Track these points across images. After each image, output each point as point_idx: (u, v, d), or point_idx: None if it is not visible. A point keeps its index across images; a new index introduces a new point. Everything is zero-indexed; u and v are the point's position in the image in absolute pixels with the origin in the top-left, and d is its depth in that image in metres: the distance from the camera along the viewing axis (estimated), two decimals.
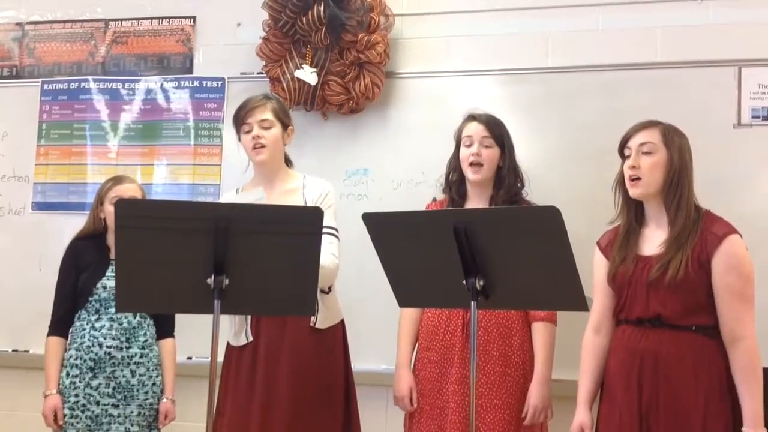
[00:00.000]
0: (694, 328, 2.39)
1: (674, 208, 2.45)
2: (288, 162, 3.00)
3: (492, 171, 2.89)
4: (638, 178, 2.47)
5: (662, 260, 2.40)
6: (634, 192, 2.50)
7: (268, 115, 2.86)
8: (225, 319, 2.86)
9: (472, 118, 2.92)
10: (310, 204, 2.83)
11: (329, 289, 2.87)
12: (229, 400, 2.82)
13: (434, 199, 3.07)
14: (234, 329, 2.85)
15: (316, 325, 2.81)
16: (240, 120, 2.89)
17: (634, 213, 2.56)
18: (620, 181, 2.57)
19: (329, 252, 2.74)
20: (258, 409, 2.74)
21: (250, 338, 2.81)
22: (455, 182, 2.96)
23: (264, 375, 2.77)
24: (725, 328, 2.37)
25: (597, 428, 2.54)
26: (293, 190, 2.91)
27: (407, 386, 2.87)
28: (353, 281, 3.25)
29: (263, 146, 2.84)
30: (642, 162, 2.47)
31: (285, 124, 2.92)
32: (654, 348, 2.40)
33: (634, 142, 2.51)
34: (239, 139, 2.93)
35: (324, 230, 2.54)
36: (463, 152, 2.89)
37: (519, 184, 2.92)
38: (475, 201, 2.92)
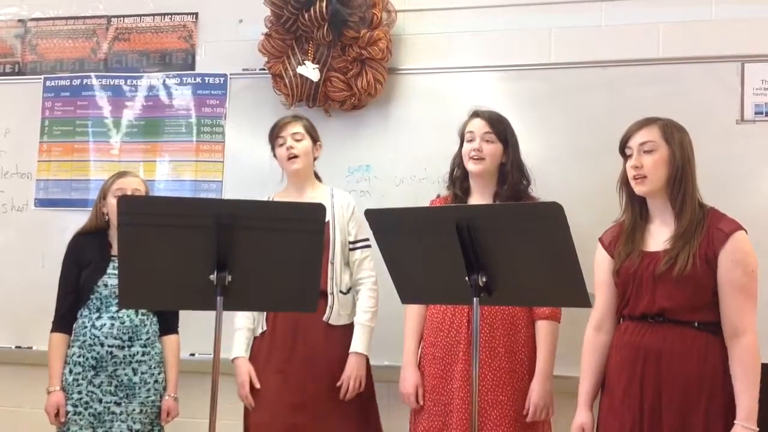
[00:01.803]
0: (697, 324, 2.39)
1: (679, 202, 2.45)
2: (319, 178, 3.21)
3: (494, 165, 2.89)
4: (643, 176, 2.47)
5: (669, 254, 2.40)
6: (639, 189, 2.50)
7: (299, 129, 3.10)
8: (246, 313, 3.04)
9: (475, 114, 2.94)
10: (338, 210, 3.04)
11: (348, 290, 3.06)
12: (261, 392, 2.96)
13: (438, 196, 3.07)
14: (252, 319, 3.05)
15: (330, 322, 2.98)
16: (274, 135, 3.12)
17: (638, 209, 2.56)
18: (624, 181, 2.57)
19: (369, 277, 3.06)
20: (289, 398, 2.93)
21: (264, 327, 3.01)
22: (459, 178, 2.96)
23: (282, 364, 2.95)
24: (727, 322, 2.37)
25: (597, 425, 2.54)
26: (321, 197, 3.05)
27: (413, 384, 2.88)
28: None
29: (296, 156, 3.06)
30: (644, 161, 2.47)
31: (314, 139, 3.15)
32: (657, 345, 2.40)
33: (634, 142, 2.50)
34: (274, 155, 3.14)
35: (362, 244, 3.06)
36: (465, 147, 2.90)
37: (525, 182, 2.92)
38: (479, 197, 2.92)
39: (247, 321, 3.04)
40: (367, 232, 2.96)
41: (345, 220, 3.05)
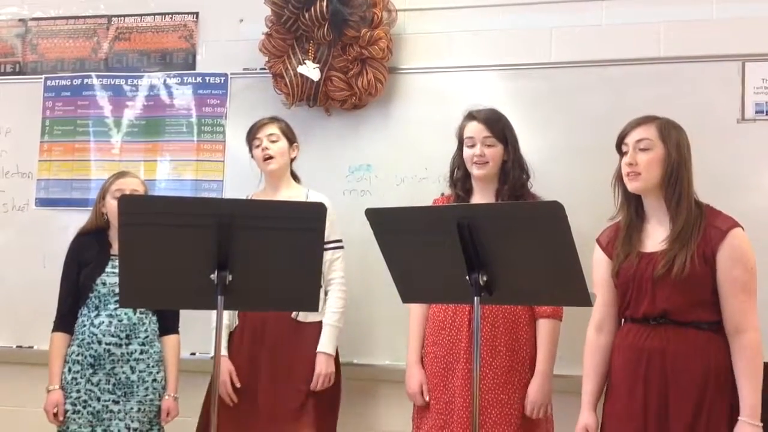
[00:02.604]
0: (700, 324, 2.39)
1: (674, 202, 2.44)
2: (296, 178, 3.30)
3: (497, 167, 2.90)
4: (637, 174, 2.47)
5: (667, 256, 2.39)
6: (632, 186, 2.50)
7: (275, 130, 3.21)
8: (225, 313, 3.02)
9: (471, 116, 2.92)
10: None
11: None
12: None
13: (442, 194, 3.07)
14: (228, 315, 3.14)
15: (298, 318, 3.09)
16: (251, 136, 3.23)
17: (634, 208, 2.55)
18: (619, 177, 2.57)
19: (339, 278, 3.16)
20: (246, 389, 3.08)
21: (236, 322, 3.14)
22: (460, 179, 2.96)
23: (248, 358, 3.09)
24: (729, 320, 2.37)
25: (602, 426, 2.53)
26: (296, 197, 3.14)
27: (417, 383, 2.89)
28: (357, 278, 3.25)
29: (272, 157, 3.17)
30: (639, 158, 2.47)
31: (291, 140, 3.25)
32: (661, 346, 2.40)
33: (630, 139, 2.50)
34: (252, 156, 3.25)
35: (335, 245, 3.15)
36: (467, 152, 2.90)
37: (525, 177, 2.93)
38: (481, 196, 2.92)
39: (224, 318, 3.06)
40: (340, 234, 3.17)
41: None
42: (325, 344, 3.08)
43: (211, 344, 2.28)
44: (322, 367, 3.05)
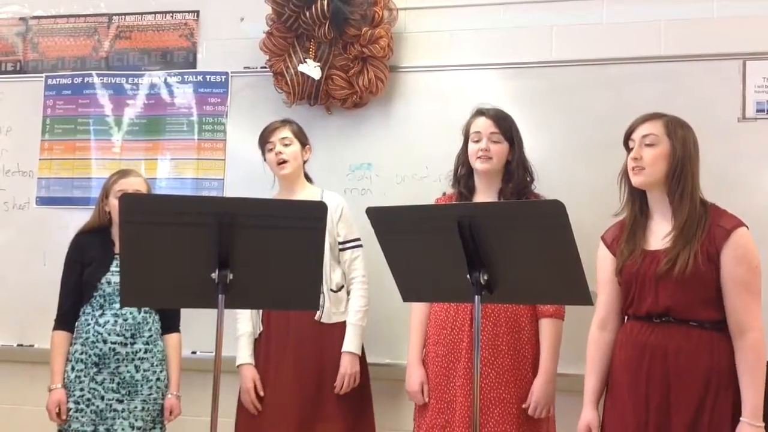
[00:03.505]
0: (703, 322, 2.39)
1: (677, 198, 2.45)
2: (309, 180, 3.29)
3: (501, 164, 2.90)
4: (641, 168, 2.48)
5: (670, 254, 2.39)
6: (636, 180, 2.50)
7: (288, 134, 3.18)
8: (246, 318, 3.12)
9: (480, 113, 2.93)
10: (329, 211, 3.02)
11: (339, 288, 3.12)
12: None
13: (444, 194, 3.07)
14: (252, 322, 3.13)
15: (322, 320, 3.06)
16: (264, 140, 3.20)
17: (639, 205, 2.56)
18: (625, 173, 2.57)
19: (360, 277, 3.15)
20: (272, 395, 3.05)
21: (261, 328, 3.10)
22: (463, 176, 2.97)
23: (274, 364, 3.05)
24: (732, 319, 2.37)
25: (603, 423, 2.53)
26: (312, 197, 3.13)
27: (418, 381, 2.89)
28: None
29: (285, 161, 3.15)
30: (644, 153, 2.47)
31: (303, 143, 3.22)
32: (663, 344, 2.40)
33: (637, 134, 2.51)
34: (264, 160, 3.23)
35: (353, 244, 3.15)
36: (472, 147, 2.90)
37: (528, 178, 2.93)
38: (484, 195, 2.92)
39: (248, 326, 3.11)
40: (358, 233, 3.15)
41: (333, 222, 3.09)
42: (350, 344, 3.07)
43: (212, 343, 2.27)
44: (347, 367, 3.04)
